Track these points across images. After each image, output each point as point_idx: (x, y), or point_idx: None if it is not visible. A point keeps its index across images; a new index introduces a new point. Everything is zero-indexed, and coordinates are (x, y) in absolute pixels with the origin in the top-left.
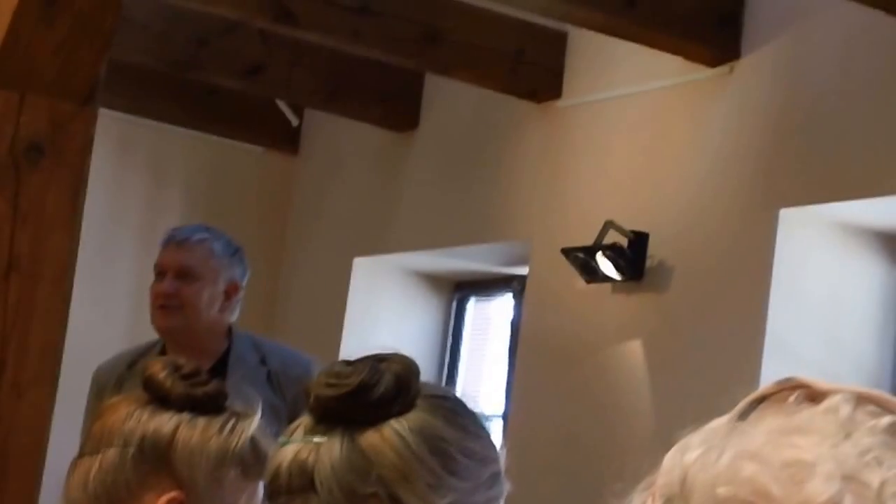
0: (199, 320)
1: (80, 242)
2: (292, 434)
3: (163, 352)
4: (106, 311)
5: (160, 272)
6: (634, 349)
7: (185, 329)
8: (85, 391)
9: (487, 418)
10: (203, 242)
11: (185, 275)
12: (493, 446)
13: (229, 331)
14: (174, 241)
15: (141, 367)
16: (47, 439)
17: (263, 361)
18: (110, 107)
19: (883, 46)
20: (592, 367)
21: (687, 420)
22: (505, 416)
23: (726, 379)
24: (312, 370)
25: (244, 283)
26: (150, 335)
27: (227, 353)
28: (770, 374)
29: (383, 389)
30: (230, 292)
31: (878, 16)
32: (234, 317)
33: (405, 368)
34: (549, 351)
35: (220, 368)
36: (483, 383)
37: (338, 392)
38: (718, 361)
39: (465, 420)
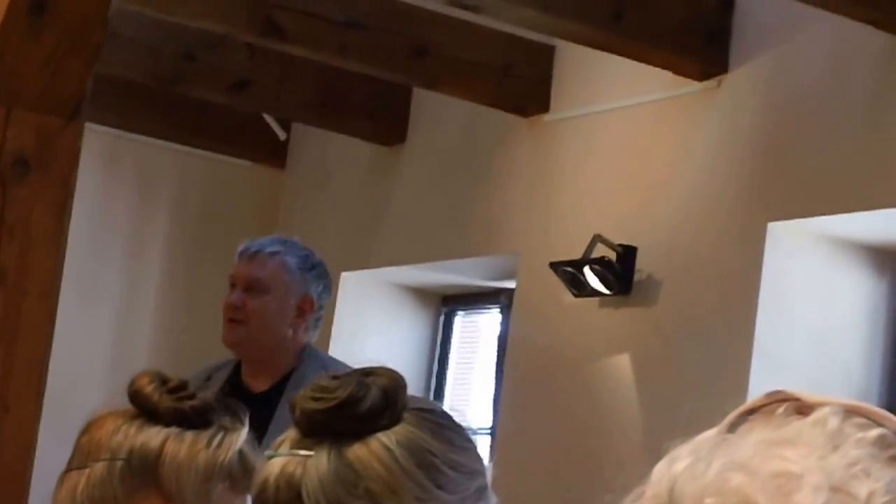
0: (265, 334)
1: (67, 257)
2: (279, 447)
3: (238, 366)
4: (92, 326)
5: (232, 284)
6: (622, 363)
7: (249, 343)
8: (72, 405)
9: (474, 432)
10: (275, 255)
11: (253, 287)
12: (480, 459)
13: (303, 350)
14: (247, 254)
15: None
16: (33, 453)
17: None
18: (97, 121)
19: (870, 60)
20: (580, 381)
21: (676, 433)
22: (493, 430)
23: (715, 392)
24: None
25: (323, 301)
26: (136, 352)
27: (292, 372)
28: (759, 387)
29: (370, 403)
30: (304, 308)
31: (865, 30)
32: (311, 335)
33: (392, 382)
34: (537, 365)
35: (280, 387)
36: (471, 397)
37: (325, 405)
38: (707, 375)
39: (452, 433)
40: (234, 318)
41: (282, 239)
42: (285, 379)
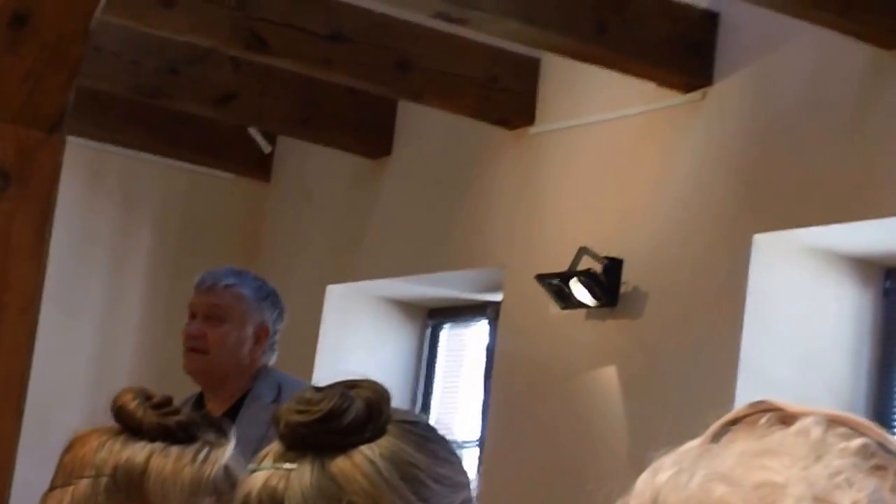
0: (225, 363)
1: (48, 271)
2: (262, 461)
3: (201, 395)
4: (73, 341)
5: (191, 314)
6: (609, 375)
7: (210, 371)
8: (52, 421)
9: (460, 445)
10: (231, 287)
11: (212, 318)
12: (465, 472)
13: (258, 371)
14: (204, 286)
15: None
16: (13, 470)
17: (277, 399)
18: (80, 135)
19: (854, 72)
20: (567, 394)
21: (661, 445)
22: (480, 443)
23: (701, 403)
24: None
25: (277, 326)
26: (119, 367)
27: (248, 392)
28: (744, 398)
29: (353, 415)
30: (260, 335)
31: (848, 41)
32: (267, 357)
33: (376, 394)
34: (524, 377)
35: (237, 407)
36: (458, 410)
37: (308, 418)
38: (693, 386)
39: (436, 446)
40: (195, 347)
41: (236, 270)
42: (242, 399)
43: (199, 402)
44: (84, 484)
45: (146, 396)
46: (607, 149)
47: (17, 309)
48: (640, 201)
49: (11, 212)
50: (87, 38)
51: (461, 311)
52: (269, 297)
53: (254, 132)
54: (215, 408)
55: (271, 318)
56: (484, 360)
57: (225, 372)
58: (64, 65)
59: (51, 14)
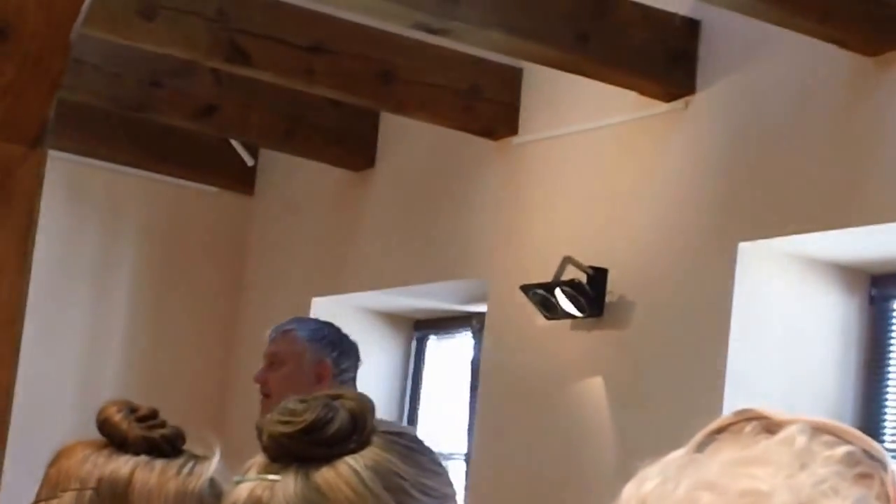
0: None
1: (31, 287)
2: (247, 472)
3: None
4: (58, 357)
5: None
6: (595, 385)
7: None
8: (38, 435)
9: (445, 456)
10: (288, 333)
11: (274, 363)
12: (450, 483)
13: None
14: (270, 337)
15: None
16: (0, 483)
17: None
18: (62, 149)
19: (837, 80)
20: (554, 404)
21: (649, 455)
22: (467, 455)
23: (688, 413)
24: None
25: (345, 365)
26: (103, 381)
27: None
28: (731, 407)
29: (337, 426)
30: (321, 374)
31: (831, 49)
32: None
33: (359, 405)
34: (510, 388)
35: None
36: (444, 422)
37: (291, 429)
38: (680, 396)
39: (422, 457)
40: (263, 392)
41: (300, 318)
42: None
43: None
44: (69, 497)
45: (131, 409)
46: (591, 158)
47: (2, 323)
48: (624, 211)
49: None
50: (68, 52)
51: (447, 323)
52: (326, 337)
53: (237, 145)
54: None
55: (330, 357)
56: (470, 371)
57: None
58: (45, 78)
59: (31, 28)
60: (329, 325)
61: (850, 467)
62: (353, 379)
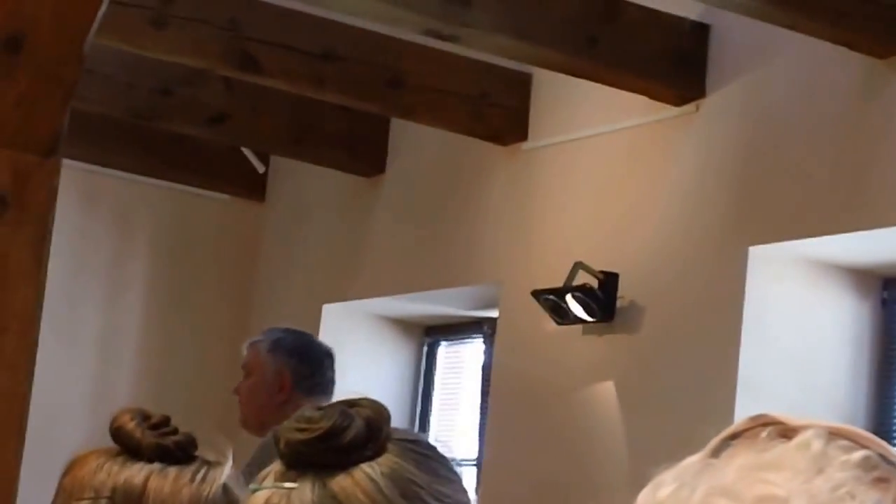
0: (253, 411)
1: (46, 294)
2: (263, 480)
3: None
4: (72, 363)
5: None
6: (607, 390)
7: (245, 419)
8: (53, 443)
9: (459, 463)
10: (254, 344)
11: (246, 375)
12: (465, 490)
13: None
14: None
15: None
16: (16, 492)
17: None
18: (74, 158)
19: (846, 82)
20: (565, 409)
21: (661, 460)
22: (479, 461)
23: (700, 418)
24: None
25: (307, 372)
26: (117, 388)
27: None
28: (743, 411)
29: (354, 433)
30: (282, 383)
31: (841, 52)
32: (317, 400)
33: (375, 412)
34: (522, 394)
35: None
36: (456, 428)
37: (308, 436)
38: (691, 400)
39: (437, 464)
40: (239, 401)
41: (270, 329)
42: None
43: None
44: None
45: (144, 417)
46: (601, 163)
47: (17, 332)
48: (634, 215)
49: (9, 236)
50: (82, 62)
51: (458, 329)
52: (285, 347)
53: (247, 152)
54: None
55: (288, 366)
56: (481, 377)
57: (258, 419)
58: (58, 88)
59: (44, 38)
60: (293, 334)
61: (866, 472)
62: (322, 384)
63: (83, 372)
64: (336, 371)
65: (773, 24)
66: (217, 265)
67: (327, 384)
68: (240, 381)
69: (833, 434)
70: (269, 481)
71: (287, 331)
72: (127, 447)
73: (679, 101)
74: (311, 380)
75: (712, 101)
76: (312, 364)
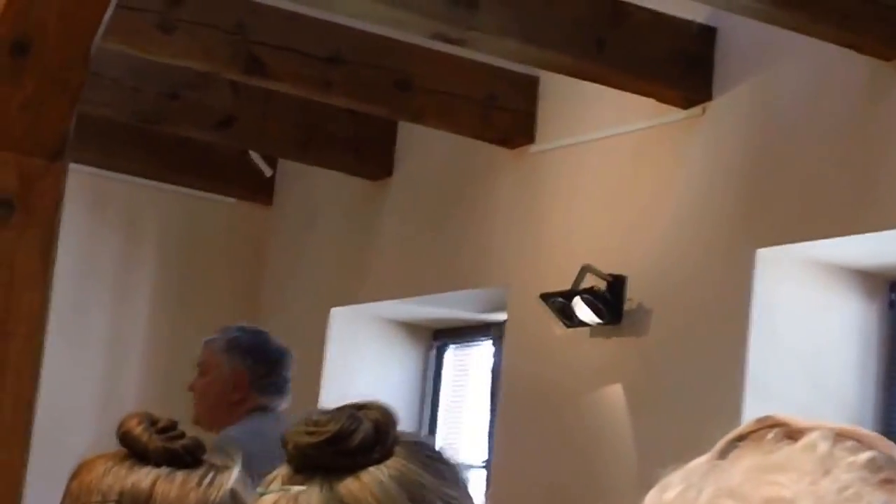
0: (206, 409)
1: (53, 298)
2: (271, 484)
3: None
4: (79, 367)
5: None
6: (615, 393)
7: (198, 417)
8: (60, 446)
9: (466, 466)
10: (210, 343)
11: (201, 373)
12: (471, 495)
13: (250, 412)
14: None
15: None
16: (22, 495)
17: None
18: (81, 162)
19: (853, 84)
20: (573, 412)
21: (669, 462)
22: (487, 464)
23: (708, 420)
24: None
25: (263, 371)
26: (124, 392)
27: None
28: (751, 413)
29: (362, 436)
30: (238, 381)
31: (847, 54)
32: (271, 399)
33: (383, 416)
34: (530, 397)
35: None
36: (464, 431)
37: (316, 439)
38: (699, 402)
39: (444, 467)
40: (194, 398)
41: (228, 327)
42: None
43: None
44: None
45: (151, 421)
46: (609, 166)
47: (24, 336)
48: (642, 218)
49: (16, 239)
50: (88, 65)
51: (466, 332)
52: (241, 346)
53: (255, 156)
54: None
55: (244, 365)
56: (489, 380)
57: (211, 417)
58: (65, 92)
59: (51, 42)
60: (249, 333)
61: (873, 473)
62: (277, 384)
63: (91, 375)
64: (291, 370)
65: (779, 26)
66: (225, 269)
67: (283, 384)
68: (194, 379)
69: (839, 435)
70: (276, 484)
71: (243, 329)
72: (134, 451)
73: (686, 103)
74: (266, 379)
75: (719, 104)
76: (268, 363)
